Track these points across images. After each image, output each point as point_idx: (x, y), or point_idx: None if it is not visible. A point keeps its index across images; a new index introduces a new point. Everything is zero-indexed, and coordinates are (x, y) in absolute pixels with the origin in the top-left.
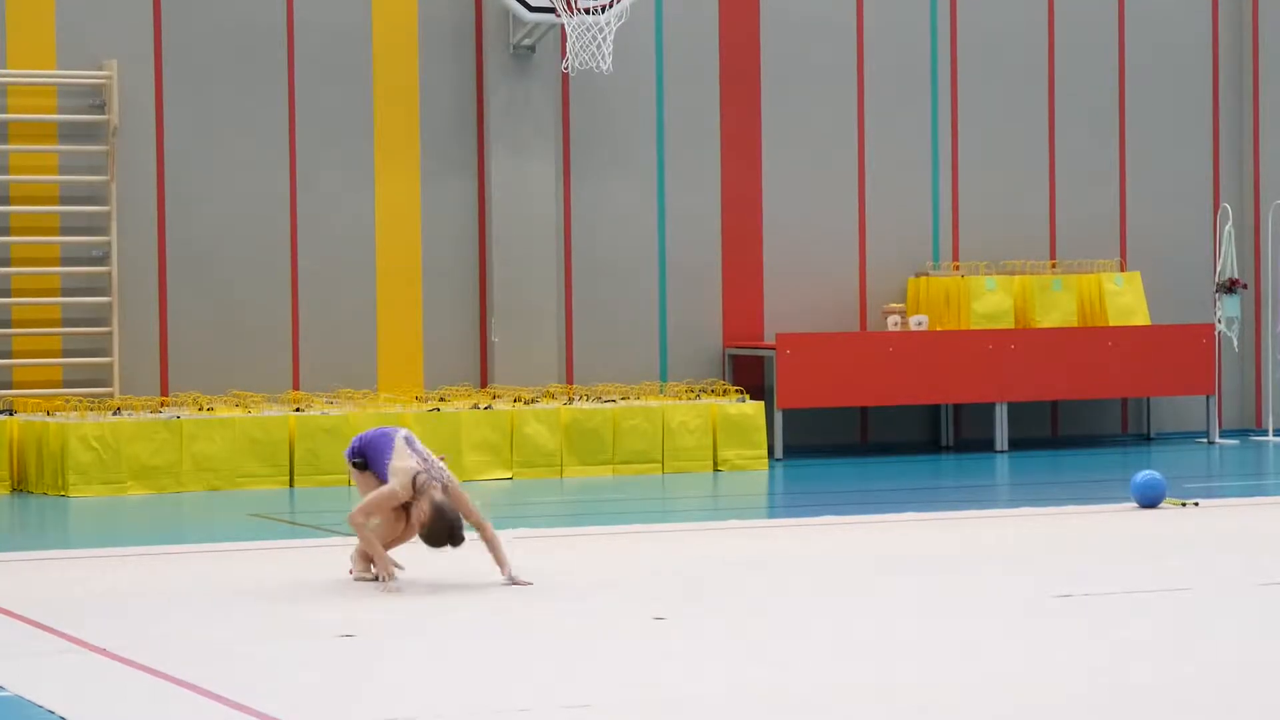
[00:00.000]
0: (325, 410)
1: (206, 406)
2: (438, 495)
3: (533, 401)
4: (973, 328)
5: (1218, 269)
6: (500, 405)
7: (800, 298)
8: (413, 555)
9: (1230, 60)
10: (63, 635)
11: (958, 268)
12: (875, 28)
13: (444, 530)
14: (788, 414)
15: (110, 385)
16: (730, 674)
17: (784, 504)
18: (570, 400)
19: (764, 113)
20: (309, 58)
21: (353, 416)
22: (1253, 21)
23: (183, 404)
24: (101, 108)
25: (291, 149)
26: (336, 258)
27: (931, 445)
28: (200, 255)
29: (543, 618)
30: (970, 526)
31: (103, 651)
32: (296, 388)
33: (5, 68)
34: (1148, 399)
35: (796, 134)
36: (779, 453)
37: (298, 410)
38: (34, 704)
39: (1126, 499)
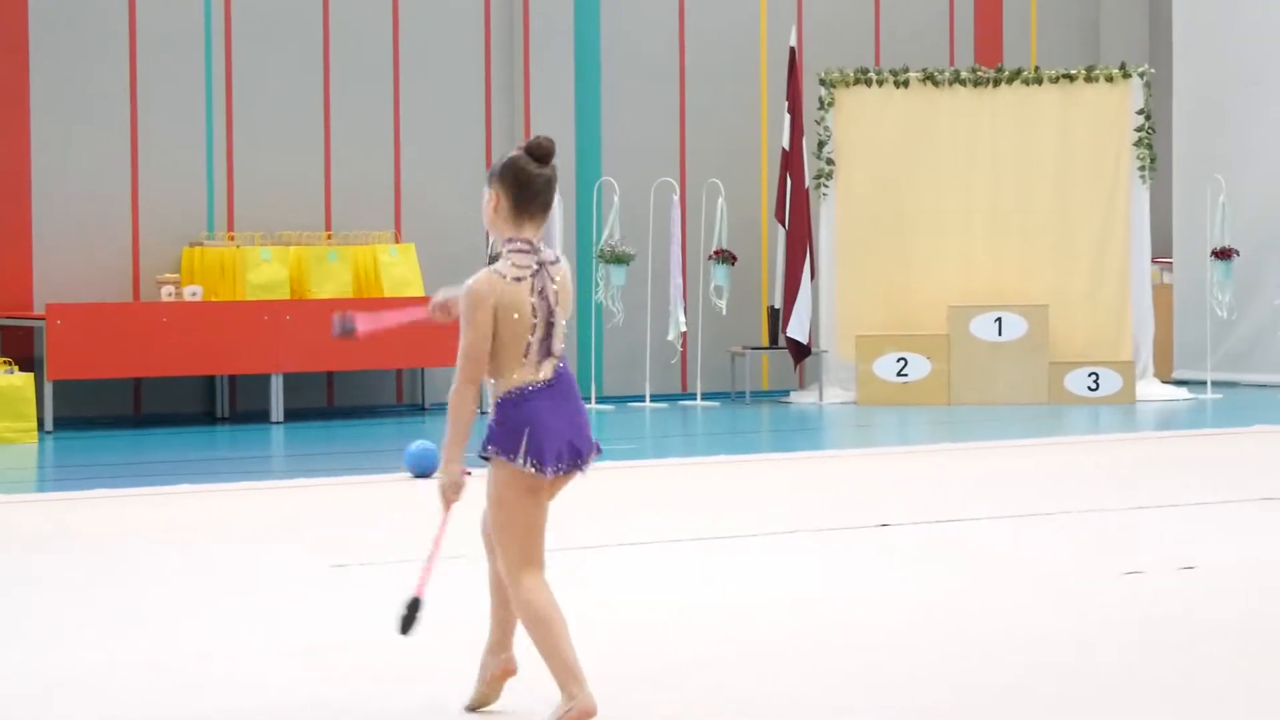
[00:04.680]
0: None
1: None
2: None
3: None
4: (248, 299)
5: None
6: None
7: (72, 267)
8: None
9: (501, 29)
10: None
11: (233, 238)
12: None
13: None
14: (59, 385)
15: None
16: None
17: (54, 477)
18: None
19: (33, 72)
20: None
21: None
22: None
23: None
24: None
25: None
26: None
27: (207, 417)
28: None
29: None
30: (244, 498)
31: None
32: None
33: None
34: (422, 369)
35: (68, 96)
36: (50, 425)
37: None
38: None
39: (401, 469)
